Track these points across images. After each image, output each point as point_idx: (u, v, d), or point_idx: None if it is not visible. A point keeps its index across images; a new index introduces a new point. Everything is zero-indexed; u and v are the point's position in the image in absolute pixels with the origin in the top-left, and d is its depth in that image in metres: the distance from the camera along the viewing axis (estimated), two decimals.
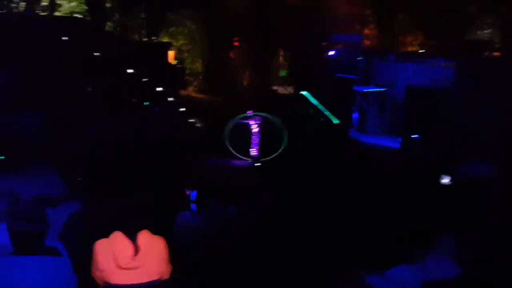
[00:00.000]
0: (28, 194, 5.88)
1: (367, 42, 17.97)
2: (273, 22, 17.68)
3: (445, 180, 8.58)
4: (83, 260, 3.35)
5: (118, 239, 3.09)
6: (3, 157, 9.28)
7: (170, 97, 15.43)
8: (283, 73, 19.70)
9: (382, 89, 12.82)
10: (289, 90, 18.28)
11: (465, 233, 4.22)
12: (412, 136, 10.78)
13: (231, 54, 19.28)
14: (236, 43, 19.00)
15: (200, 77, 19.45)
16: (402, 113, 11.86)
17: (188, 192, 5.90)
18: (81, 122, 11.05)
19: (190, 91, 18.78)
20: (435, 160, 9.62)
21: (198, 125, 14.87)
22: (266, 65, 18.75)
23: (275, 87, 18.80)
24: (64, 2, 18.27)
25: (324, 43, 16.13)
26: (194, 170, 8.90)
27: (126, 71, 14.52)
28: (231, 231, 5.78)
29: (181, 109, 15.07)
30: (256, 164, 11.43)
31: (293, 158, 10.42)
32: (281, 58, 19.91)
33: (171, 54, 17.87)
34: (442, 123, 10.33)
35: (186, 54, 19.45)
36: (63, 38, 13.96)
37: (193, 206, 5.77)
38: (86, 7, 18.08)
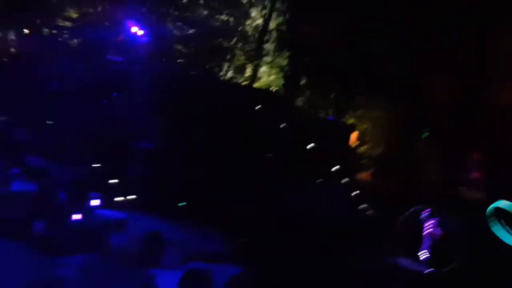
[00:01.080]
0: (199, 248, 6.13)
1: None
2: (474, 123, 16.45)
3: None
4: None
5: None
6: (183, 204, 10.06)
7: (344, 178, 15.29)
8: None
9: None
10: (478, 195, 16.47)
11: None
12: None
13: (419, 144, 18.43)
14: (428, 133, 18.10)
15: (380, 163, 18.92)
16: None
17: None
18: (255, 189, 11.54)
19: (366, 176, 18.36)
20: None
21: (369, 212, 14.31)
22: (457, 163, 17.36)
23: (461, 188, 17.23)
24: (265, 75, 19.98)
25: None
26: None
27: (306, 146, 14.98)
28: None
29: (354, 193, 14.75)
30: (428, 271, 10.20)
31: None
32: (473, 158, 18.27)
33: (353, 136, 17.92)
34: None
35: (368, 138, 19.26)
36: (258, 107, 15.20)
37: None
38: (283, 81, 19.44)
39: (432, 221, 10.77)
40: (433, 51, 16.73)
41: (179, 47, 17.55)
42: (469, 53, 16.59)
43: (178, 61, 16.20)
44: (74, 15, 17.53)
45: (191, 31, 18.27)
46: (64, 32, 16.92)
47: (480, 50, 16.55)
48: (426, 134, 17.84)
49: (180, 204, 10.23)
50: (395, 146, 18.40)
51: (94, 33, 15.60)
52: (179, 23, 18.13)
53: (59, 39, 16.75)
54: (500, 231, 7.20)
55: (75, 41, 17.12)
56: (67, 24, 17.00)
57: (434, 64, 16.60)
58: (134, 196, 9.76)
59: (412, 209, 10.89)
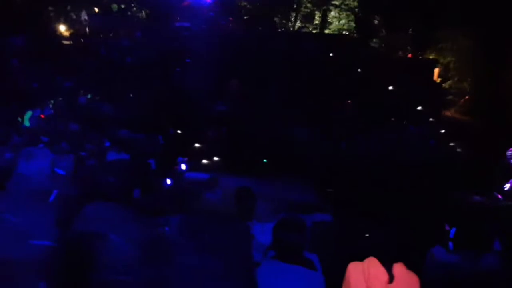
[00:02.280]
0: (289, 199, 6.20)
1: None
2: None
3: None
4: (334, 278, 3.27)
5: (373, 264, 3.05)
6: (265, 161, 10.20)
7: (430, 117, 14.60)
8: None
9: None
10: None
11: None
12: None
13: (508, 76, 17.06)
14: None
15: (466, 97, 17.83)
16: None
17: (447, 228, 5.31)
18: (339, 135, 11.38)
19: (454, 112, 17.40)
20: None
21: (459, 150, 13.60)
22: None
23: None
24: (335, 19, 19.29)
25: None
26: (454, 204, 8.06)
27: (387, 88, 14.43)
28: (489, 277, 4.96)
29: (441, 131, 14.06)
30: None
31: None
32: None
33: (436, 71, 16.93)
34: None
35: (452, 73, 18.13)
36: (331, 54, 14.79)
37: (451, 244, 5.16)
38: (354, 25, 18.67)
39: None
40: None
41: (244, 3, 17.30)
42: None
43: (245, 18, 16.03)
44: None
45: None
46: (132, 5, 17.33)
47: None
48: None
49: (264, 161, 10.35)
50: (482, 78, 17.17)
51: (161, 2, 15.83)
52: None
53: (128, 13, 17.20)
54: None
55: (143, 13, 17.51)
56: None
57: None
58: (218, 158, 10.00)
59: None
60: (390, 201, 7.70)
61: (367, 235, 3.63)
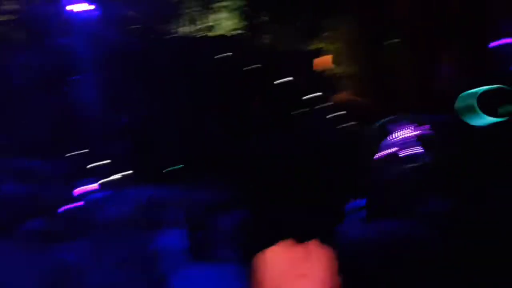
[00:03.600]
0: (204, 201, 6.17)
1: None
2: (437, 16, 16.38)
3: None
4: (252, 267, 3.33)
5: (288, 246, 3.15)
6: (181, 166, 10.08)
7: (326, 102, 15.35)
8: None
9: None
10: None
11: None
12: None
13: (390, 55, 18.42)
14: (396, 43, 18.08)
15: (357, 80, 18.95)
16: None
17: (357, 200, 5.66)
18: (246, 132, 11.57)
19: (347, 94, 18.41)
20: None
21: (355, 128, 14.48)
22: (429, 65, 17.44)
23: (441, 87, 17.39)
24: (224, 20, 19.45)
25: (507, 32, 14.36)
26: (359, 176, 8.57)
27: (282, 80, 14.90)
28: (403, 244, 5.33)
29: (338, 113, 14.84)
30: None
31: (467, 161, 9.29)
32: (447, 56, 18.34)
33: (326, 59, 17.79)
34: None
35: (342, 58, 19.16)
36: (222, 55, 14.94)
37: (362, 214, 5.50)
38: (245, 23, 18.99)
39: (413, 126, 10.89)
40: None
41: (129, 13, 16.84)
42: None
43: (130, 27, 15.60)
44: (14, 7, 16.70)
45: None
46: (6, 26, 16.16)
47: None
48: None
49: (178, 166, 10.24)
50: (367, 61, 18.38)
51: (37, 21, 14.92)
52: None
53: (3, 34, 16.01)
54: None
55: (21, 33, 16.40)
56: (8, 17, 16.22)
57: None
58: (128, 171, 9.72)
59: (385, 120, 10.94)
60: (301, 185, 7.96)
61: (279, 220, 3.73)
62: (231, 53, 15.41)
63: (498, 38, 13.68)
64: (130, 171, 9.51)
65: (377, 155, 10.57)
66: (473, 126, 9.90)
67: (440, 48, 17.32)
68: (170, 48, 14.01)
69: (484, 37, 14.94)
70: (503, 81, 11.64)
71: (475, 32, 15.10)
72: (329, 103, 15.33)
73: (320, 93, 15.31)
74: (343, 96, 17.81)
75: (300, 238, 3.15)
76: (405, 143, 10.75)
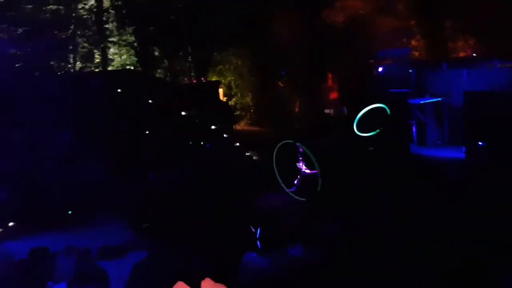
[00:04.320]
0: (98, 246, 6.01)
1: (415, 54, 17.52)
2: (318, 46, 17.67)
3: None
4: None
5: None
6: (70, 212, 9.63)
7: (224, 133, 15.61)
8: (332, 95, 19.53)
9: (438, 99, 12.38)
10: (341, 112, 18.03)
11: None
12: (477, 144, 10.22)
13: (280, 84, 19.42)
14: (283, 72, 19.15)
15: (251, 110, 19.63)
16: (462, 122, 11.33)
17: (253, 230, 5.80)
18: (142, 168, 11.37)
19: (243, 125, 18.95)
20: (505, 166, 9.03)
21: (255, 157, 14.87)
22: (315, 90, 18.66)
23: (327, 111, 18.63)
24: (116, 56, 19.23)
25: (372, 61, 15.89)
26: (256, 206, 8.83)
27: (180, 113, 14.92)
28: (296, 271, 5.59)
29: (235, 144, 15.17)
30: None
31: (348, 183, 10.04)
32: (330, 81, 19.78)
33: (221, 91, 18.25)
34: (506, 128, 9.72)
35: (235, 90, 19.76)
36: (117, 89, 14.61)
37: (258, 244, 5.65)
38: (136, 59, 18.92)
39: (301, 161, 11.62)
40: None
41: (13, 51, 15.96)
42: None
43: (16, 65, 14.75)
44: None
45: (19, 30, 16.66)
46: None
47: None
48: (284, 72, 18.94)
49: (69, 212, 9.74)
50: (259, 90, 19.21)
51: None
52: (2, 26, 16.42)
53: None
54: None
55: None
56: None
57: (273, 6, 17.40)
58: (12, 223, 9.12)
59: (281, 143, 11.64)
60: (201, 221, 8.03)
61: (175, 261, 3.79)
62: (122, 88, 15.06)
63: (376, 66, 15.13)
64: (12, 223, 8.88)
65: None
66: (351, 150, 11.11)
67: (322, 76, 18.68)
68: (63, 84, 13.35)
69: (363, 66, 16.40)
70: (383, 100, 12.97)
71: (350, 64, 16.54)
72: (229, 134, 15.61)
73: (217, 124, 15.55)
74: (240, 126, 18.32)
75: (192, 280, 3.19)
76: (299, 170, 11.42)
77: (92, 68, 18.77)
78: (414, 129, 12.82)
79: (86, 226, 8.70)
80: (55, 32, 17.48)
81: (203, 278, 3.30)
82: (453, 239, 5.34)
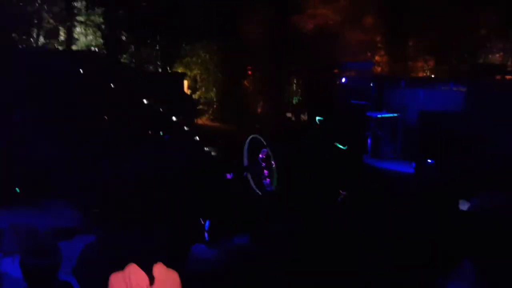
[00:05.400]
0: (44, 227, 5.97)
1: (378, 69, 18.12)
2: (286, 50, 17.98)
3: (464, 206, 8.43)
4: None
5: (133, 271, 3.15)
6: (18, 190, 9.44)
7: (185, 126, 15.61)
8: (295, 99, 19.88)
9: (395, 115, 12.89)
10: (303, 117, 18.42)
11: (484, 261, 4.21)
12: (426, 161, 10.75)
13: (245, 83, 19.61)
14: (249, 72, 19.36)
15: (214, 106, 19.70)
16: (415, 138, 11.87)
17: (202, 222, 5.92)
18: (97, 153, 11.23)
19: (205, 120, 19.00)
20: (451, 185, 9.54)
21: (213, 153, 14.98)
22: (279, 93, 18.96)
23: (288, 114, 18.98)
24: (82, 36, 18.83)
25: (336, 70, 16.32)
26: (209, 199, 8.94)
27: (141, 102, 14.82)
28: (246, 263, 5.76)
29: (195, 138, 15.22)
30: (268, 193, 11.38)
31: (304, 186, 10.39)
32: (294, 86, 20.15)
33: (185, 84, 18.22)
34: (455, 148, 10.29)
35: (200, 84, 19.77)
36: (80, 70, 14.37)
37: (207, 236, 5.79)
38: (102, 41, 18.57)
39: (264, 150, 11.92)
40: None
41: None
42: None
43: None
44: None
45: None
46: None
47: None
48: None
49: (16, 189, 9.54)
50: (224, 86, 19.30)
51: None
52: None
53: None
54: None
55: None
56: None
57: (245, 5, 17.57)
58: None
59: (248, 139, 11.88)
60: (152, 207, 8.07)
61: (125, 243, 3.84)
62: (86, 69, 14.82)
63: (340, 76, 15.56)
64: None
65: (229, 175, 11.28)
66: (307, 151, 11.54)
67: (286, 79, 19.00)
68: (22, 60, 12.97)
69: (327, 74, 16.80)
70: (347, 111, 13.41)
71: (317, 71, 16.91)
72: (190, 128, 15.62)
73: (179, 117, 15.54)
74: (202, 121, 18.35)
75: (145, 262, 3.25)
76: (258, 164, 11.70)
77: (56, 46, 18.30)
78: (369, 141, 13.30)
79: (33, 205, 8.56)
80: (20, 4, 16.93)
81: (155, 262, 3.37)
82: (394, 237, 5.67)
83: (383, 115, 13.04)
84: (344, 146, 12.87)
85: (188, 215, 7.35)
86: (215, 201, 9.11)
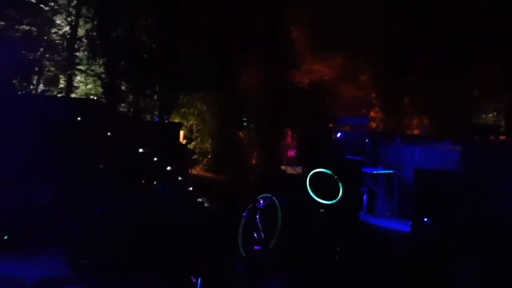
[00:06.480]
0: (32, 277, 5.81)
1: (373, 124, 18.34)
2: (281, 103, 18.25)
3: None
4: None
5: None
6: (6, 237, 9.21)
7: (178, 176, 15.53)
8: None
9: (390, 171, 12.88)
10: (298, 170, 18.40)
11: None
12: (422, 219, 10.65)
13: (240, 134, 19.74)
14: (244, 123, 19.55)
15: (209, 156, 19.73)
16: (411, 196, 11.80)
17: (193, 280, 5.78)
18: (89, 200, 11.08)
19: (199, 169, 18.95)
20: (446, 243, 9.42)
21: (206, 204, 14.81)
22: (274, 145, 19.07)
23: (283, 167, 18.96)
24: (81, 84, 19.07)
25: (331, 125, 16.49)
26: (200, 255, 8.74)
27: (137, 150, 14.78)
28: None
29: (189, 188, 15.09)
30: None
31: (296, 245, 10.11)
32: (289, 138, 20.30)
33: (181, 133, 18.32)
34: (450, 206, 10.25)
35: (196, 134, 19.90)
36: (78, 117, 14.39)
37: None
38: (101, 90, 18.82)
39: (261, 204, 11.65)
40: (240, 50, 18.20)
41: None
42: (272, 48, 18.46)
43: None
44: None
45: None
46: None
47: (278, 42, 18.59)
48: (245, 123, 19.32)
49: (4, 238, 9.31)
50: (219, 137, 19.41)
51: None
52: None
53: None
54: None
55: None
56: None
57: (243, 60, 18.01)
58: None
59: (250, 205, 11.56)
60: (143, 258, 7.88)
61: None
62: (85, 116, 14.84)
63: (335, 131, 15.69)
64: None
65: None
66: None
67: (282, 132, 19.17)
68: (22, 105, 13.04)
69: (322, 129, 16.97)
70: (342, 165, 13.35)
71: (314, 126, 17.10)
72: (184, 177, 15.53)
73: (173, 166, 15.48)
74: (196, 171, 18.30)
75: None
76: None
77: (55, 93, 18.48)
78: (365, 197, 13.21)
79: (22, 254, 8.35)
80: (23, 52, 17.25)
81: None
82: None
83: (378, 172, 13.04)
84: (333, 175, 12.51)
85: (179, 269, 7.17)
86: (206, 257, 8.91)
